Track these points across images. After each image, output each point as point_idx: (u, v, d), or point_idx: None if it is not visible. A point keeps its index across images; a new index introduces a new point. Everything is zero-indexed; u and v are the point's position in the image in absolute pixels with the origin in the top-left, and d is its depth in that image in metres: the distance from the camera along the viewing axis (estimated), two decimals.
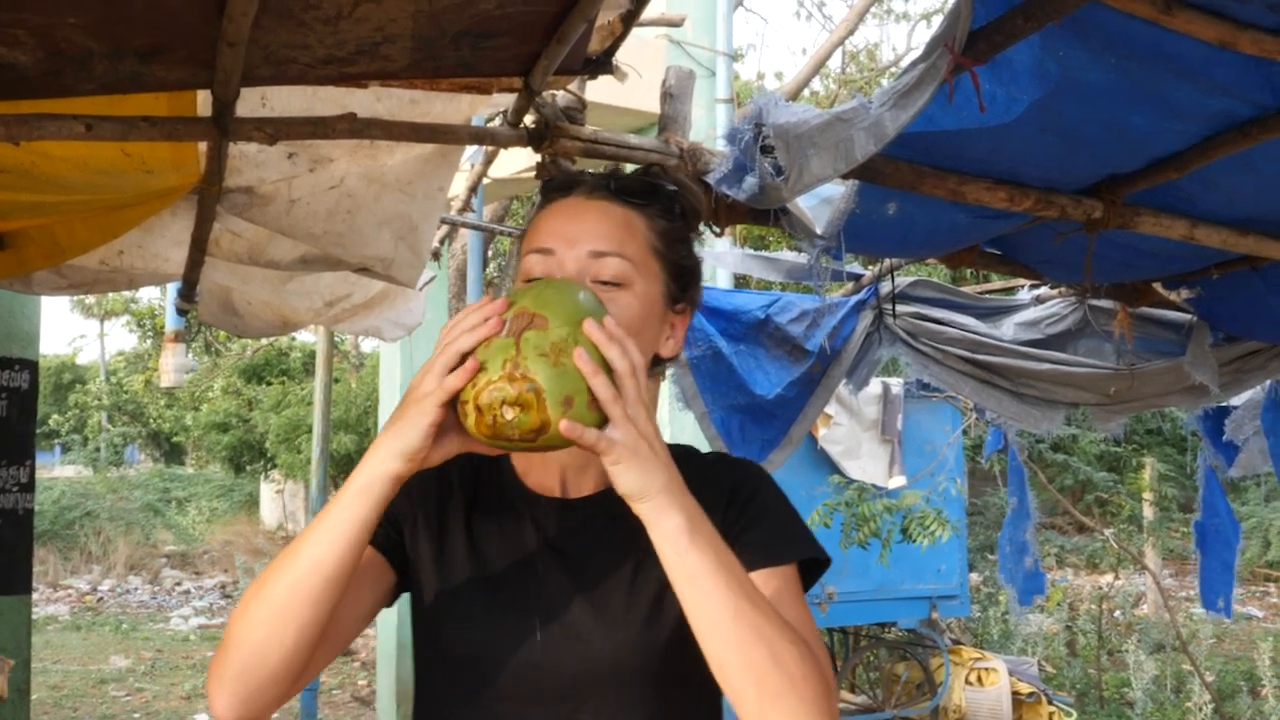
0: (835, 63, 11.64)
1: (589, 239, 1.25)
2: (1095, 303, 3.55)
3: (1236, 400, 3.97)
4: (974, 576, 7.73)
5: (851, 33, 8.68)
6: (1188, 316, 3.45)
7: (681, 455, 1.34)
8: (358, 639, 11.49)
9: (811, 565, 1.33)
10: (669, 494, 1.10)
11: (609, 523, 1.27)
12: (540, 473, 1.34)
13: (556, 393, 1.06)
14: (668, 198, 1.34)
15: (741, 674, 1.07)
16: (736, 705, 1.10)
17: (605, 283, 1.24)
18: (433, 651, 1.31)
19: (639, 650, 1.22)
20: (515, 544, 1.30)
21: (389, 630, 7.08)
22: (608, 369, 1.09)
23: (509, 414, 1.06)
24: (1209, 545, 4.42)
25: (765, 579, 1.22)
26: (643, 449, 1.09)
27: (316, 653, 1.17)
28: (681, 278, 1.34)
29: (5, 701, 3.00)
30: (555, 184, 1.34)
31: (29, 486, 4.13)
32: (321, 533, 1.12)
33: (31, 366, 4.23)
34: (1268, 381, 3.71)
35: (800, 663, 1.08)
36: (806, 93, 10.60)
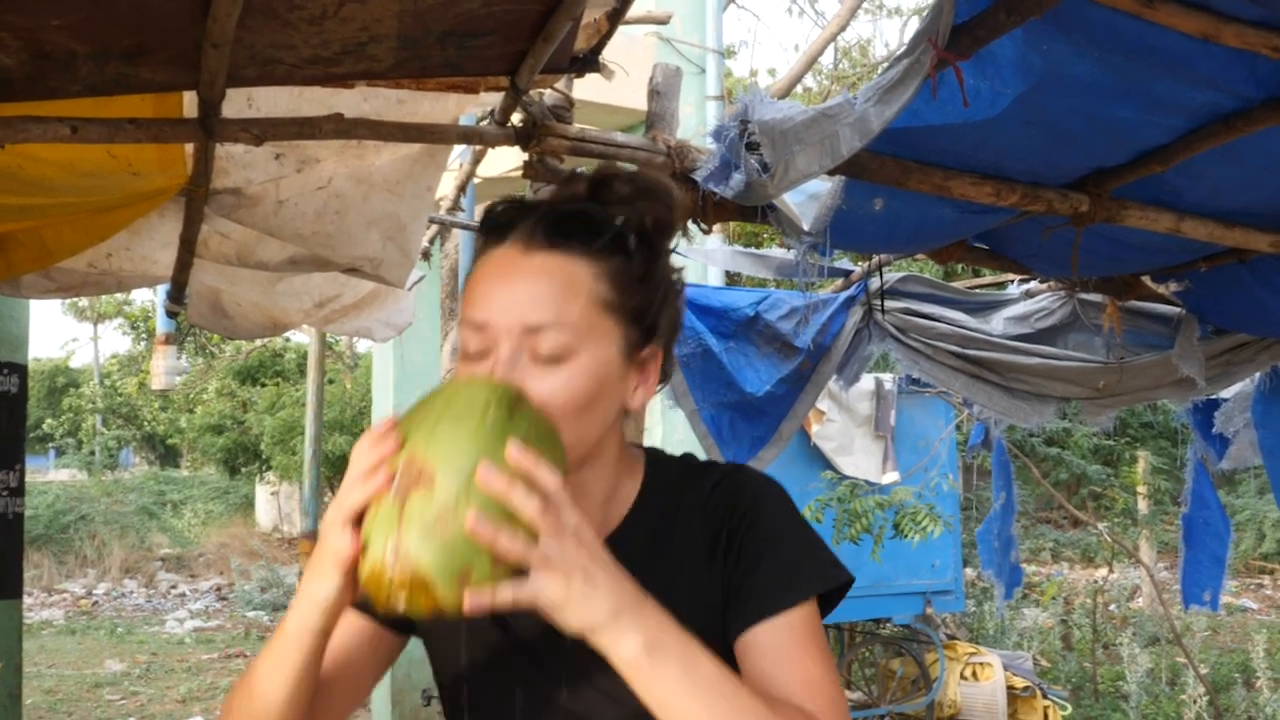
0: (828, 59, 11.67)
1: (522, 309, 1.08)
2: (1085, 296, 3.56)
3: (1226, 393, 3.98)
4: (968, 572, 7.74)
5: (844, 29, 8.68)
6: (1177, 310, 3.46)
7: (683, 472, 1.26)
8: None
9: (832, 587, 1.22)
10: (619, 618, 0.99)
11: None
12: None
13: (447, 570, 0.94)
14: (620, 229, 1.14)
15: None
16: None
17: (545, 358, 1.08)
18: (457, 710, 1.27)
19: None
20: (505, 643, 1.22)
21: None
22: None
23: (400, 596, 0.96)
24: (1197, 538, 4.43)
25: (769, 631, 1.13)
26: (576, 585, 0.97)
27: None
28: (646, 319, 1.16)
29: None
30: (489, 226, 1.17)
31: (19, 490, 4.13)
32: (267, 675, 1.09)
33: (20, 370, 4.23)
34: (1257, 374, 3.73)
35: None
36: (799, 89, 10.62)
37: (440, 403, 1.03)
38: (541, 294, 1.09)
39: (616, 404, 1.16)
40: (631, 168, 2.33)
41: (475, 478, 0.96)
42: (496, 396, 1.01)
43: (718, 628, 1.15)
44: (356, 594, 1.02)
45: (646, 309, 1.16)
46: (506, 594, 0.96)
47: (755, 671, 1.12)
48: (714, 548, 1.19)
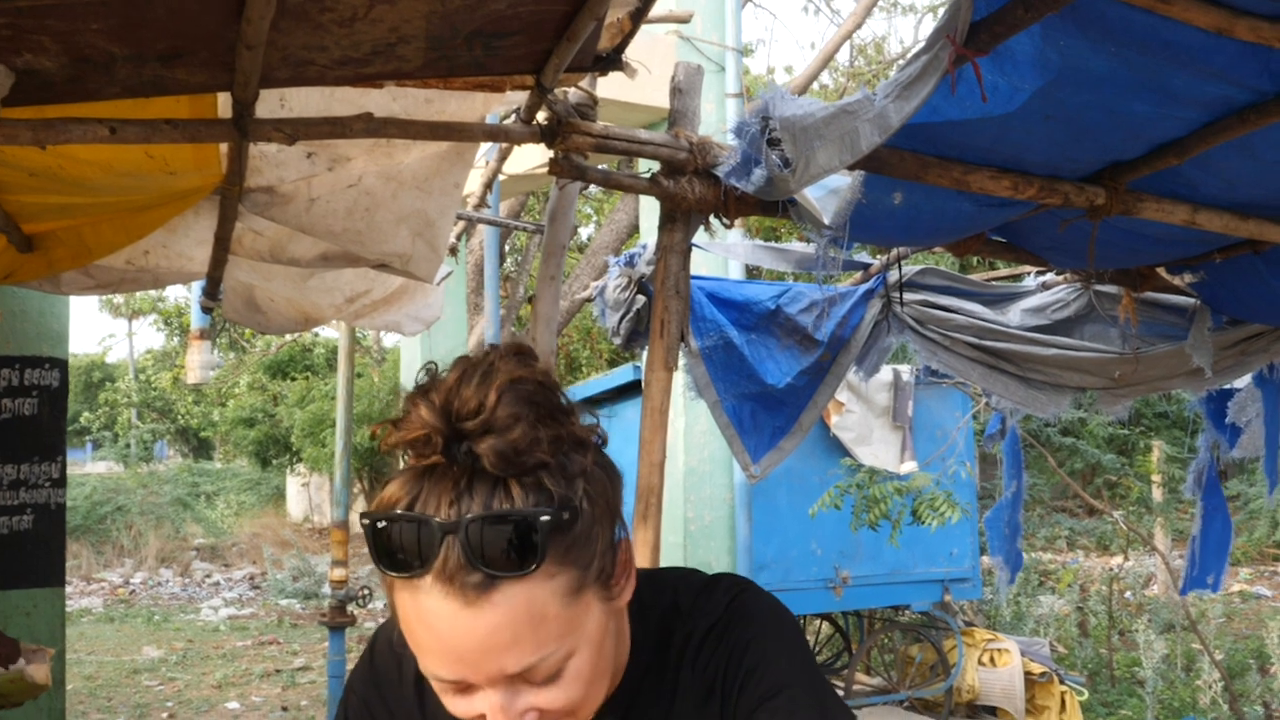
0: (844, 56, 11.66)
1: (499, 664, 0.93)
2: (1100, 288, 3.58)
3: (1239, 383, 4.00)
4: (985, 559, 7.76)
5: (859, 26, 8.69)
6: (1192, 300, 3.47)
7: (668, 607, 1.13)
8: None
9: None
10: None
11: None
12: None
13: None
14: (552, 516, 0.92)
15: None
16: None
17: (543, 683, 0.96)
18: None
19: None
20: None
21: None
22: None
23: None
24: (1207, 525, 4.45)
25: None
26: None
27: None
28: (609, 555, 1.00)
29: (48, 689, 3.08)
30: (389, 560, 0.93)
31: (61, 482, 4.22)
32: None
33: (61, 365, 4.33)
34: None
35: None
36: (816, 86, 10.62)
37: None
38: (509, 641, 0.92)
39: (615, 633, 1.05)
40: (645, 163, 2.37)
41: None
42: None
43: None
44: None
45: (606, 550, 1.00)
46: None
47: None
48: (709, 703, 1.08)
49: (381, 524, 0.92)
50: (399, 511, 0.92)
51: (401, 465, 0.99)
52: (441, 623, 0.91)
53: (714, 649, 1.08)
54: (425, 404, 0.93)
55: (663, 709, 1.09)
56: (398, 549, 0.91)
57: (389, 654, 1.18)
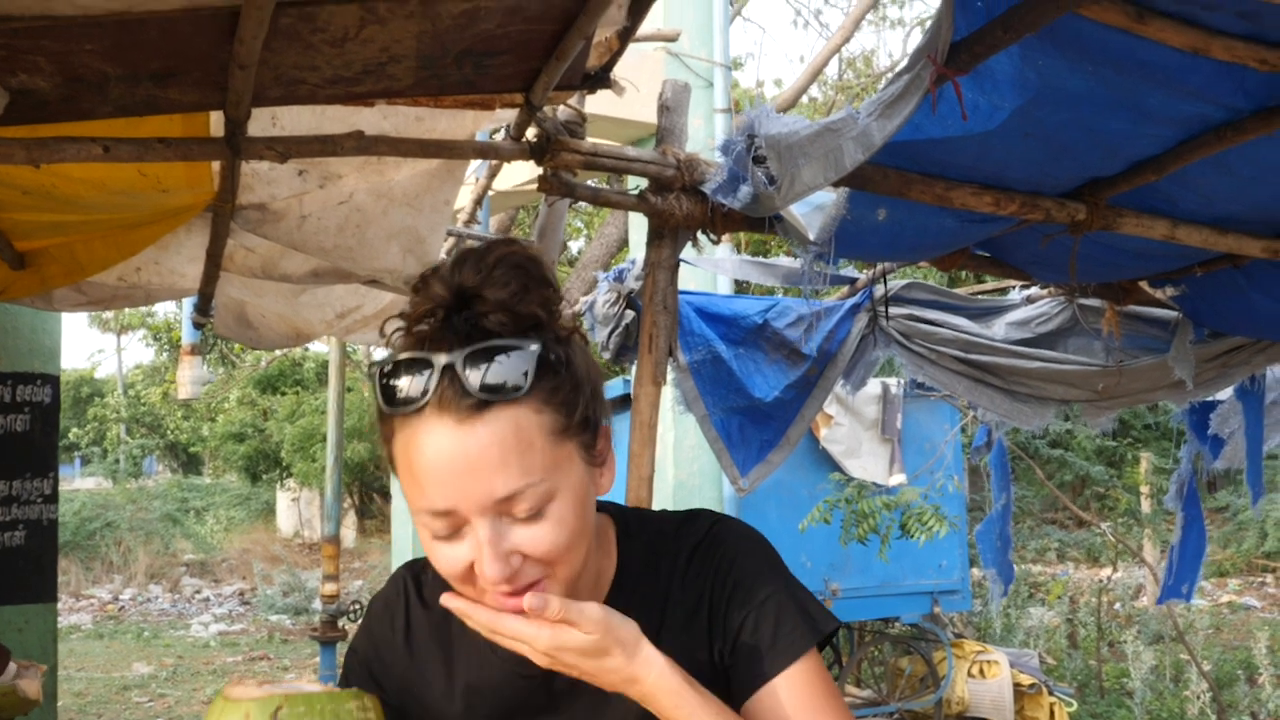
0: (833, 69, 11.74)
1: (488, 487, 1.00)
2: (1084, 302, 3.62)
3: (1221, 395, 4.04)
4: (975, 571, 7.79)
5: (848, 40, 8.74)
6: (1174, 314, 3.51)
7: (655, 536, 1.23)
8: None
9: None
10: (629, 682, 1.05)
11: None
12: None
13: None
14: (540, 353, 1.03)
15: None
16: None
17: (525, 518, 1.02)
18: None
19: None
20: (506, 689, 1.20)
21: None
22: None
23: None
24: (1185, 536, 4.48)
25: (772, 694, 1.12)
26: (601, 679, 1.05)
27: None
28: (591, 419, 1.09)
29: (39, 705, 3.08)
30: (393, 397, 1.03)
31: (53, 497, 4.23)
32: None
33: (53, 381, 4.34)
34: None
35: None
36: (805, 99, 10.69)
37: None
38: (502, 461, 0.99)
39: (593, 506, 1.12)
40: (633, 180, 2.40)
41: None
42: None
43: (719, 685, 1.15)
44: None
45: (589, 410, 1.08)
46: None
47: None
48: (697, 615, 1.17)
49: (388, 368, 1.03)
50: (403, 357, 1.03)
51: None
52: (438, 447, 1.00)
53: (701, 566, 1.18)
54: (433, 280, 1.04)
55: (653, 622, 1.15)
56: (401, 388, 1.02)
57: (383, 615, 1.28)
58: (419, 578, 1.28)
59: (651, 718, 1.09)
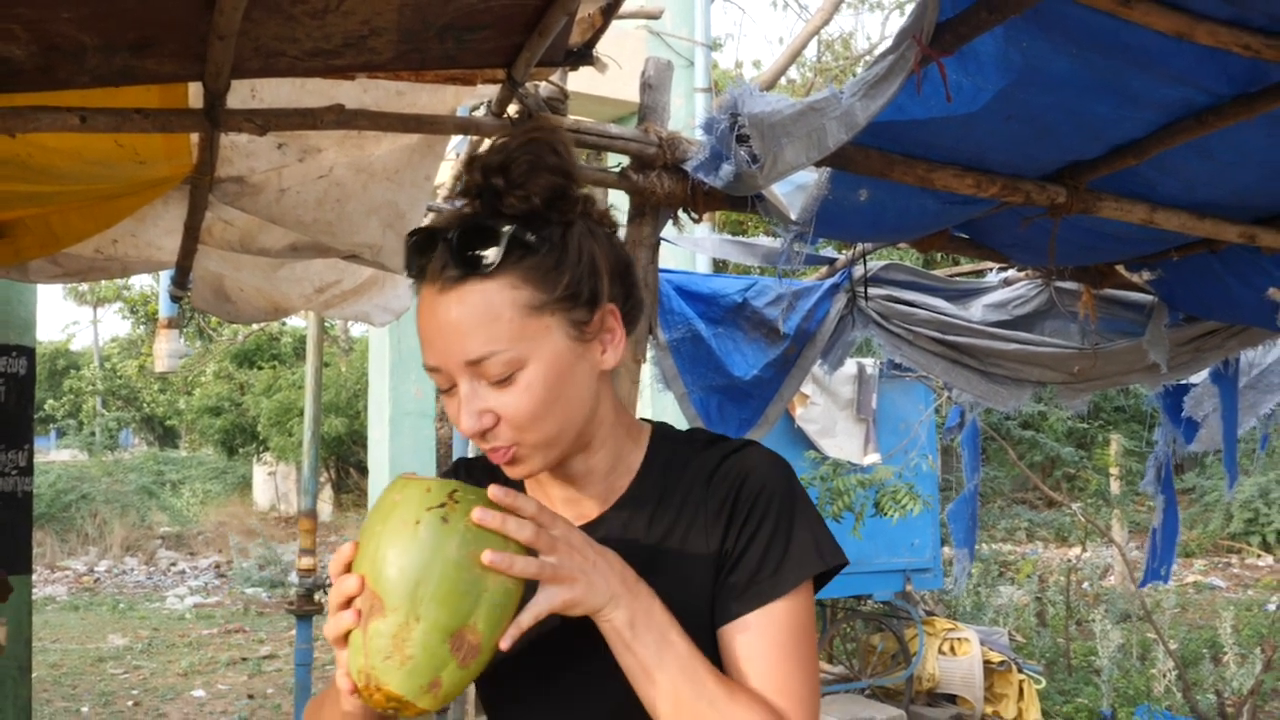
0: (811, 51, 11.71)
1: (458, 348, 1.13)
2: (1061, 284, 3.65)
3: (1196, 378, 4.08)
4: (947, 550, 7.86)
5: (827, 22, 8.70)
6: (1150, 298, 3.54)
7: (692, 444, 1.30)
8: None
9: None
10: (614, 601, 1.09)
11: (616, 544, 1.21)
12: (539, 490, 1.32)
13: (415, 688, 1.04)
14: (512, 235, 1.13)
15: None
16: None
17: (496, 382, 1.13)
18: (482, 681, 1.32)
19: None
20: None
21: None
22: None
23: (388, 711, 1.07)
24: (1167, 516, 4.54)
25: (749, 625, 1.17)
26: (579, 587, 1.08)
27: None
28: (581, 295, 1.17)
29: (3, 652, 3.05)
30: (409, 267, 1.19)
31: (27, 470, 4.19)
32: None
33: (29, 353, 4.29)
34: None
35: None
36: (784, 81, 10.66)
37: (379, 522, 1.08)
38: (469, 328, 1.12)
39: (588, 380, 1.19)
40: (614, 156, 2.39)
41: (419, 594, 1.04)
42: (426, 507, 1.06)
43: (704, 601, 1.20)
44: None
45: (577, 288, 1.16)
46: (529, 614, 1.07)
47: (732, 663, 1.17)
48: (715, 521, 1.22)
49: (413, 238, 1.18)
50: (419, 232, 1.19)
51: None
52: (427, 311, 1.16)
53: (723, 480, 1.23)
54: (474, 161, 1.18)
55: (674, 514, 1.24)
56: (415, 258, 1.18)
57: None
58: (468, 463, 1.40)
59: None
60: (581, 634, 1.18)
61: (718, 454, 1.27)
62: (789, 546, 1.20)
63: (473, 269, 1.12)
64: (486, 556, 1.04)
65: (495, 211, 1.15)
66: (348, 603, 1.06)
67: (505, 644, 1.06)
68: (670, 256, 5.72)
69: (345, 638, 1.07)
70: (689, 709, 1.10)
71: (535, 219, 1.15)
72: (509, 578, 1.06)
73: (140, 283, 22.27)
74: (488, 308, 1.12)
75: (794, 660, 1.17)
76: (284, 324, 19.39)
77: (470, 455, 1.45)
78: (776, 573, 1.18)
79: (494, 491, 1.06)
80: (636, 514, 1.24)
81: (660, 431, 1.33)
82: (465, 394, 1.14)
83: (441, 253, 1.14)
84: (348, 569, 1.07)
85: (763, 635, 1.17)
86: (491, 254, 1.12)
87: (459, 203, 1.20)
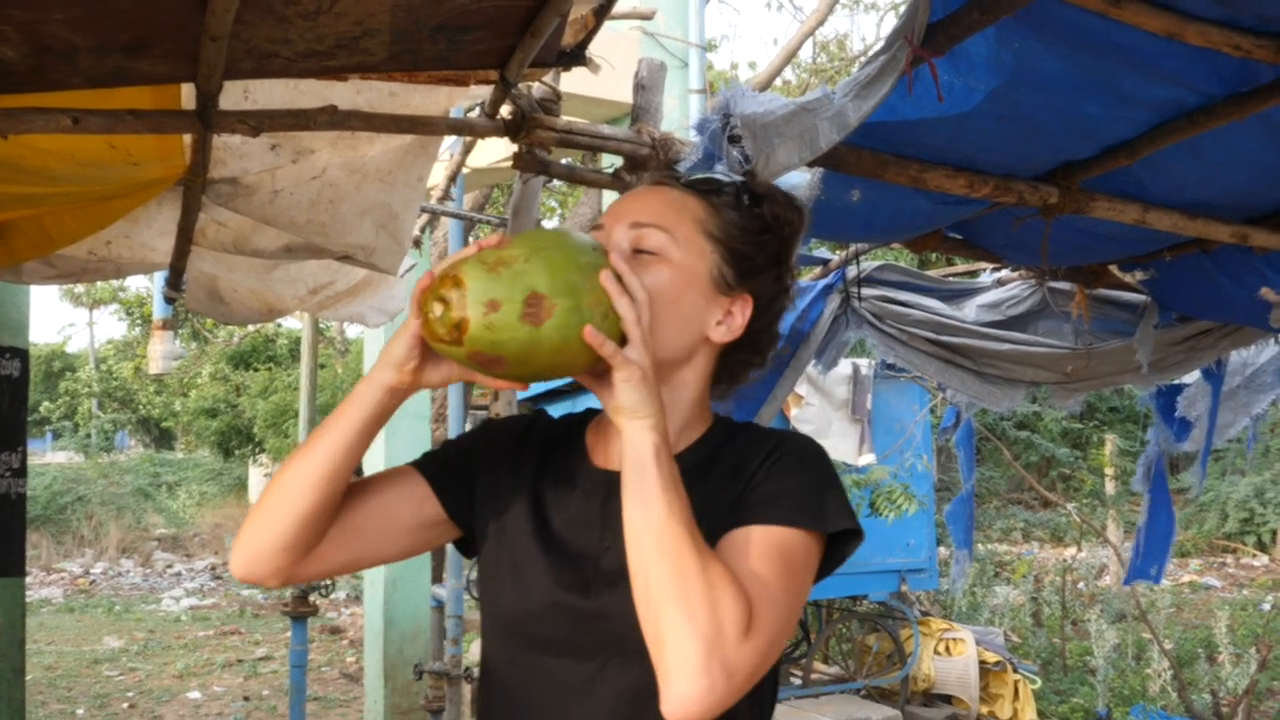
0: (806, 53, 11.73)
1: (633, 213, 1.31)
2: (1054, 285, 3.65)
3: (1189, 378, 4.08)
4: (942, 550, 7.87)
5: (822, 23, 8.74)
6: (1143, 298, 3.55)
7: (749, 431, 1.39)
8: (346, 618, 11.55)
9: (841, 538, 1.30)
10: (656, 418, 1.18)
11: None
12: (603, 451, 1.39)
13: (480, 293, 1.11)
14: (735, 193, 1.35)
15: (642, 582, 1.14)
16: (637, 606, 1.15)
17: (643, 251, 1.29)
18: (490, 614, 1.38)
19: None
20: (576, 514, 1.34)
21: (376, 609, 7.16)
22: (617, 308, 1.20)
23: (436, 310, 1.13)
24: (1153, 517, 4.54)
25: (749, 533, 1.21)
26: (649, 375, 1.18)
27: (329, 546, 1.32)
28: (739, 264, 1.33)
29: None
30: (649, 176, 1.44)
31: (21, 471, 4.19)
32: (323, 434, 1.29)
33: (22, 354, 4.29)
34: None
35: (706, 593, 1.10)
36: (779, 82, 10.67)
37: (552, 235, 1.21)
38: (653, 205, 1.32)
39: (698, 320, 1.32)
40: (608, 157, 2.39)
41: (541, 245, 1.17)
42: (602, 249, 1.23)
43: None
44: (434, 372, 1.25)
45: (743, 251, 1.34)
46: (612, 347, 1.17)
47: (725, 556, 1.19)
48: (744, 480, 1.29)
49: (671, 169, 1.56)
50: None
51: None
52: (632, 192, 1.38)
53: (769, 444, 1.33)
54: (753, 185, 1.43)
55: (722, 479, 1.31)
56: (641, 163, 1.61)
57: (507, 425, 1.50)
58: (544, 419, 1.49)
59: None
60: (574, 641, 1.24)
61: (766, 438, 1.36)
62: (799, 492, 1.26)
63: (692, 186, 1.35)
64: (605, 275, 1.18)
65: (744, 184, 1.38)
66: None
67: (589, 335, 1.14)
68: None
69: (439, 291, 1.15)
70: (670, 540, 1.13)
71: (762, 204, 1.37)
72: (599, 314, 1.17)
73: (136, 284, 22.27)
74: (679, 203, 1.33)
75: (779, 578, 1.19)
76: (279, 325, 19.39)
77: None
78: (793, 507, 1.24)
79: (617, 261, 1.23)
80: (689, 472, 1.26)
81: (723, 420, 1.42)
82: (614, 240, 1.30)
83: (670, 172, 1.43)
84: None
85: (751, 545, 1.21)
86: (715, 185, 1.37)
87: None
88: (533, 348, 1.13)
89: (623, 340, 1.18)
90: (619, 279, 1.20)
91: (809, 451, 1.33)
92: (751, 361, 1.42)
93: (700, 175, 1.38)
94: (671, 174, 1.36)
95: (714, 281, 1.32)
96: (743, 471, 1.29)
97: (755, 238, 1.35)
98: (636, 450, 1.17)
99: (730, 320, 1.34)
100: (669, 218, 1.31)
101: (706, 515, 1.22)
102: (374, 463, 7.63)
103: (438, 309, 1.13)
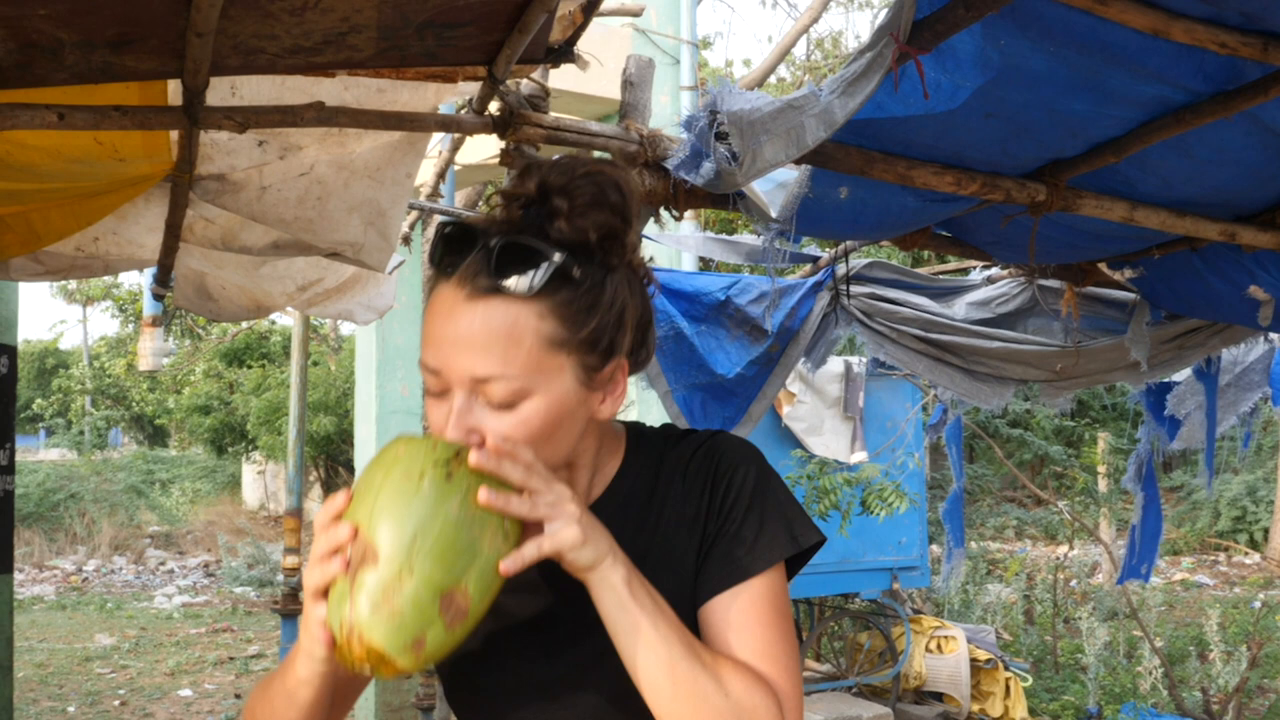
0: (800, 50, 11.72)
1: (469, 361, 1.09)
2: (1043, 282, 3.66)
3: (1178, 376, 4.10)
4: (934, 548, 7.89)
5: (816, 20, 8.73)
6: (1132, 296, 3.56)
7: (664, 441, 1.31)
8: None
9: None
10: (612, 554, 1.10)
11: None
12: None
13: (399, 644, 1.00)
14: (560, 265, 1.10)
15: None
16: None
17: (497, 405, 1.10)
18: (452, 683, 1.32)
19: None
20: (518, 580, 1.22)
21: None
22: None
23: (365, 668, 1.03)
24: (1145, 516, 4.55)
25: (729, 601, 1.18)
26: (580, 527, 1.08)
27: (337, 713, 1.24)
28: (600, 344, 1.14)
29: None
30: (435, 260, 1.14)
31: (9, 468, 4.19)
32: (279, 701, 1.18)
33: (10, 351, 4.29)
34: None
35: (737, 702, 1.09)
36: (773, 79, 10.68)
37: (381, 473, 1.06)
38: (486, 345, 1.08)
39: (580, 424, 1.17)
40: (598, 153, 2.39)
41: (416, 548, 1.01)
42: (431, 462, 1.05)
43: (688, 592, 1.21)
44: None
45: (599, 335, 1.14)
46: (533, 546, 1.06)
47: (715, 637, 1.18)
48: (693, 514, 1.24)
49: (449, 227, 1.14)
50: (465, 218, 1.15)
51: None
52: (445, 311, 1.11)
53: (697, 475, 1.26)
54: (533, 170, 1.14)
55: (648, 521, 1.25)
56: (448, 250, 1.12)
57: None
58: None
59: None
60: (554, 637, 1.21)
61: (689, 448, 1.28)
62: (763, 527, 1.21)
63: (508, 288, 1.09)
64: (483, 495, 1.03)
65: (543, 232, 1.11)
66: (334, 553, 1.03)
67: (507, 568, 1.05)
68: (657, 255, 5.73)
69: (325, 591, 1.04)
70: (682, 669, 1.10)
71: (583, 253, 1.12)
72: (504, 544, 1.06)
73: (129, 280, 22.21)
74: (511, 330, 1.09)
75: (775, 630, 1.18)
76: (273, 322, 19.38)
77: None
78: (752, 551, 1.20)
79: (491, 441, 1.07)
80: (615, 515, 1.23)
81: (634, 433, 1.33)
82: (459, 407, 1.10)
83: (478, 259, 1.10)
84: (338, 520, 1.06)
85: (743, 610, 1.18)
86: (533, 278, 1.09)
87: (502, 205, 1.16)
88: (469, 626, 1.05)
89: (538, 526, 1.08)
90: (495, 475, 1.06)
91: (753, 464, 1.25)
92: (641, 367, 1.29)
93: (513, 247, 1.10)
94: (486, 264, 1.10)
95: (583, 382, 1.15)
96: (696, 510, 1.24)
97: (601, 302, 1.14)
98: (615, 594, 1.10)
99: (612, 393, 1.19)
100: (509, 357, 1.08)
101: (665, 558, 1.21)
102: (366, 457, 7.62)
103: (367, 669, 1.02)
